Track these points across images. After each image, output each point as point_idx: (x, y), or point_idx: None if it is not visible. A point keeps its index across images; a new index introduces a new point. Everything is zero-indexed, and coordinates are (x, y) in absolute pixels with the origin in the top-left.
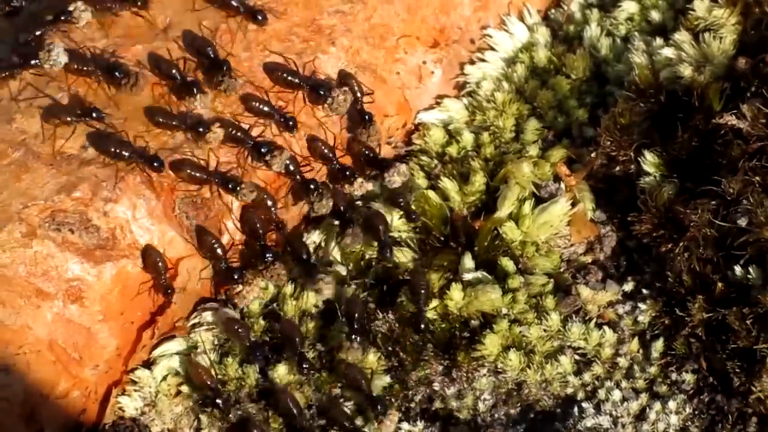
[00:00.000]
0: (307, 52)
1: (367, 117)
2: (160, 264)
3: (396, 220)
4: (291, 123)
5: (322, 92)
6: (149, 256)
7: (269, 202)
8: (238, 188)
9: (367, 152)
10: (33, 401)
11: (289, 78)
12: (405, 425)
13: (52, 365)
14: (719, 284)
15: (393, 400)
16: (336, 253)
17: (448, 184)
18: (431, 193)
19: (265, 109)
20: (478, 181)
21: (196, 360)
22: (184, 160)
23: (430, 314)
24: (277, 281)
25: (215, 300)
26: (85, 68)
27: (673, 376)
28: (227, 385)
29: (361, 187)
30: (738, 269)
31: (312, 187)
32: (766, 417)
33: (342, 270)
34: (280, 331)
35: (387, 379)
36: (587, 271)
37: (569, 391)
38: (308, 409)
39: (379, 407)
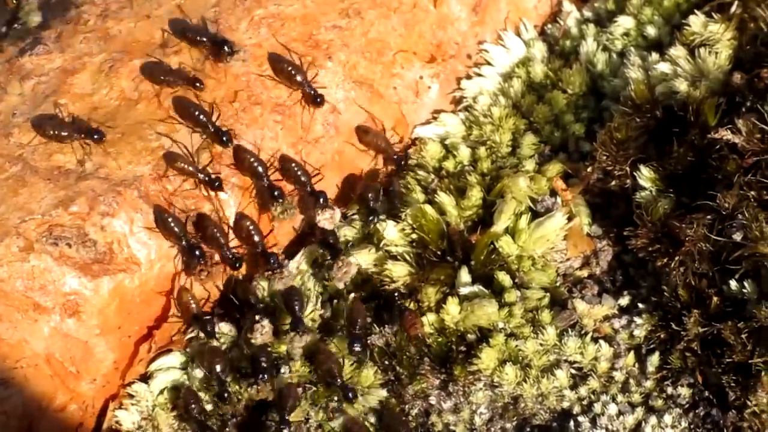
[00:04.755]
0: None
1: (321, 198)
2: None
3: (392, 233)
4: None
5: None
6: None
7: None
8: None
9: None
10: (31, 415)
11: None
12: None
13: (50, 379)
14: (715, 298)
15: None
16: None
17: (445, 199)
18: (428, 208)
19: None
20: (475, 195)
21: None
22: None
23: (427, 328)
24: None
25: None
26: None
27: (669, 390)
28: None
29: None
30: (733, 283)
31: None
32: (761, 431)
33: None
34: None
35: (383, 393)
36: (583, 285)
37: (565, 405)
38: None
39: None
